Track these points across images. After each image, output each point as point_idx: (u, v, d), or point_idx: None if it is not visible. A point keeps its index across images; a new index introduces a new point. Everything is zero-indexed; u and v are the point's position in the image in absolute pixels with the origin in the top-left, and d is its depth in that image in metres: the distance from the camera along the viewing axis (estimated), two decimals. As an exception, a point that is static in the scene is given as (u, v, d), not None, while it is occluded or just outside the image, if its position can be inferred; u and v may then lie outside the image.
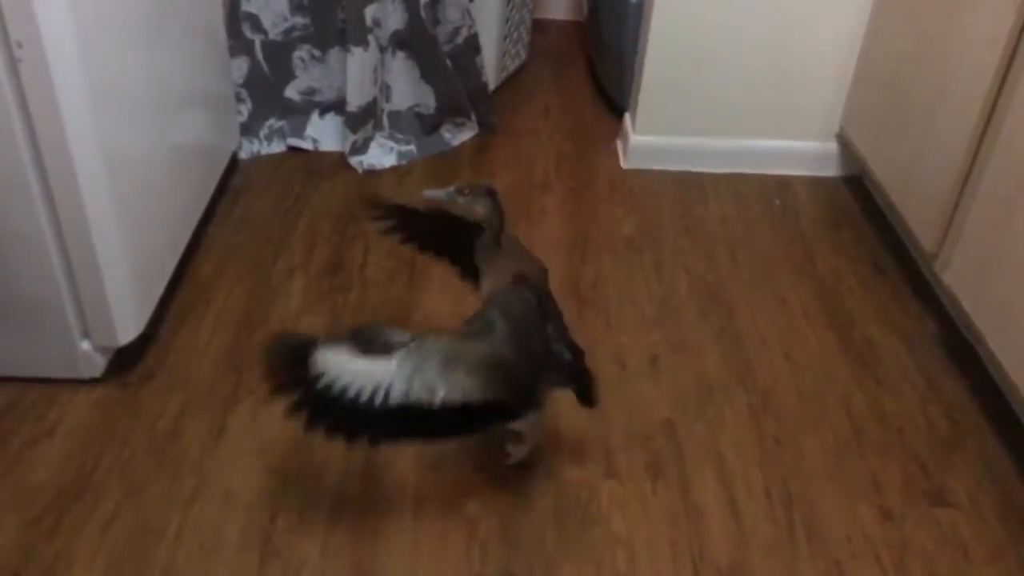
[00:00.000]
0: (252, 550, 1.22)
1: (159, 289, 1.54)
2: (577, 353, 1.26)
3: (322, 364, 1.04)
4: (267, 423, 1.40)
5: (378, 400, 1.04)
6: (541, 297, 1.24)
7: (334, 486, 1.31)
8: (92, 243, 1.30)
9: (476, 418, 1.12)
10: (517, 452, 1.33)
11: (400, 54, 2.07)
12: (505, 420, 1.20)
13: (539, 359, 1.20)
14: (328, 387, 1.04)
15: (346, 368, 1.04)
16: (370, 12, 1.95)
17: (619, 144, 2.18)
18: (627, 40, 2.11)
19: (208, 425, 1.39)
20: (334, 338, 1.07)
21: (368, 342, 1.06)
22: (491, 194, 1.20)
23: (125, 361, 1.48)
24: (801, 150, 2.10)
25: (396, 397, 1.05)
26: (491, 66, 2.23)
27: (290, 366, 1.06)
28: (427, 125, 2.15)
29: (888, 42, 1.84)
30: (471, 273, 1.28)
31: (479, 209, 1.20)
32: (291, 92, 2.11)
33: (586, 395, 1.27)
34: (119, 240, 1.34)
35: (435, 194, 1.22)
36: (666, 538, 1.26)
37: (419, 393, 1.05)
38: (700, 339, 1.62)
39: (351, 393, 1.04)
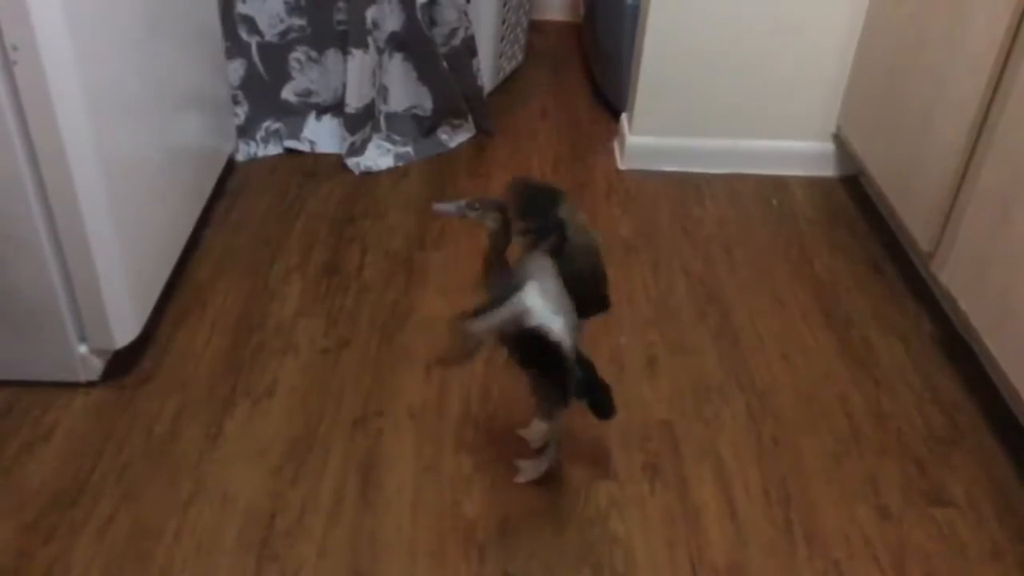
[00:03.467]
0: (250, 553, 1.21)
1: (156, 292, 1.54)
2: (587, 366, 1.24)
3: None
4: (264, 426, 1.40)
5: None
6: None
7: (332, 488, 1.31)
8: (89, 246, 1.30)
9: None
10: (527, 469, 1.33)
11: (397, 56, 2.07)
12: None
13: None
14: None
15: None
16: (370, 14, 1.95)
17: (616, 145, 2.18)
18: (624, 41, 2.12)
19: (205, 428, 1.39)
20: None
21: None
22: (501, 209, 1.19)
23: (122, 364, 1.48)
24: (798, 150, 2.10)
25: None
26: (488, 67, 2.23)
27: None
28: (424, 127, 2.15)
29: (884, 42, 1.84)
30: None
31: (488, 224, 1.20)
32: (288, 94, 2.11)
33: (601, 407, 1.26)
34: (116, 243, 1.34)
35: (445, 208, 1.21)
36: (664, 538, 1.26)
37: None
38: (698, 339, 1.62)
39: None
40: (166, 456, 1.35)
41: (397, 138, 2.13)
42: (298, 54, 2.07)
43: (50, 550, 1.20)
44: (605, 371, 1.25)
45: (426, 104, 2.13)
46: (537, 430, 1.36)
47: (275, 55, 2.06)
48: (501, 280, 1.20)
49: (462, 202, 1.20)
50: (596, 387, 1.25)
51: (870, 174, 1.88)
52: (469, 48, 2.06)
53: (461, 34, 2.03)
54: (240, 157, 2.07)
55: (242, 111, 2.08)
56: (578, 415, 1.26)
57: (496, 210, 1.19)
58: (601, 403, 1.25)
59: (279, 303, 1.65)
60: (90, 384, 1.44)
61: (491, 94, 2.27)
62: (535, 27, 2.62)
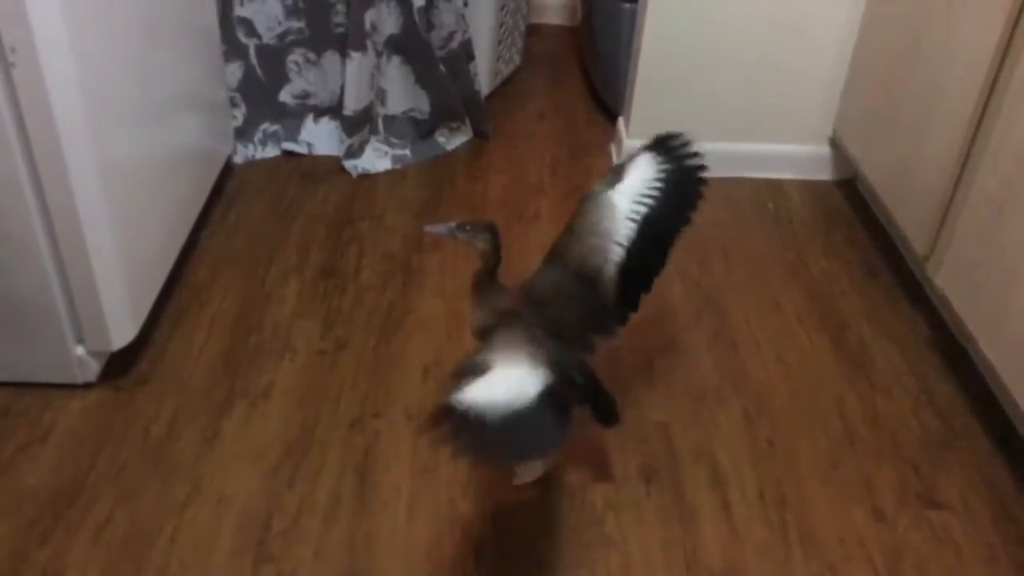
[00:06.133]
0: (246, 554, 1.22)
1: (153, 293, 1.54)
2: (590, 376, 1.24)
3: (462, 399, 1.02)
4: (261, 427, 1.40)
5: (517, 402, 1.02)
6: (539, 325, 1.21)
7: (328, 490, 1.31)
8: (86, 248, 1.30)
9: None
10: (523, 471, 1.33)
11: (395, 59, 2.07)
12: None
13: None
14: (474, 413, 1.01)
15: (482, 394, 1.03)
16: (369, 17, 1.95)
17: (613, 148, 2.18)
18: (621, 44, 2.12)
19: (202, 429, 1.39)
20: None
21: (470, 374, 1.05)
22: (491, 230, 1.21)
23: (119, 366, 1.48)
24: (794, 153, 2.10)
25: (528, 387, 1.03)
26: (485, 71, 2.24)
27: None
28: (422, 129, 2.15)
29: (880, 46, 1.85)
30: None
31: (479, 245, 1.20)
32: (285, 96, 2.11)
33: (605, 414, 1.25)
34: (113, 245, 1.34)
35: (436, 229, 1.22)
36: (660, 541, 1.26)
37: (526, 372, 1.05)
38: (694, 342, 1.62)
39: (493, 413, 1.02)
40: (163, 457, 1.35)
41: (395, 140, 2.14)
42: (296, 56, 2.08)
43: (46, 551, 1.20)
44: (602, 373, 1.26)
45: (424, 107, 2.13)
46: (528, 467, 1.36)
47: (273, 57, 2.06)
48: (488, 303, 1.22)
49: (453, 223, 1.21)
50: (598, 395, 1.25)
51: (866, 177, 1.88)
52: (467, 51, 2.07)
53: (459, 37, 2.04)
54: (238, 159, 2.07)
55: (240, 113, 2.08)
56: (574, 418, 1.26)
57: (487, 231, 1.20)
58: (604, 411, 1.25)
59: (276, 305, 1.66)
60: (87, 385, 1.44)
61: (488, 97, 2.28)
62: (532, 31, 2.63)
